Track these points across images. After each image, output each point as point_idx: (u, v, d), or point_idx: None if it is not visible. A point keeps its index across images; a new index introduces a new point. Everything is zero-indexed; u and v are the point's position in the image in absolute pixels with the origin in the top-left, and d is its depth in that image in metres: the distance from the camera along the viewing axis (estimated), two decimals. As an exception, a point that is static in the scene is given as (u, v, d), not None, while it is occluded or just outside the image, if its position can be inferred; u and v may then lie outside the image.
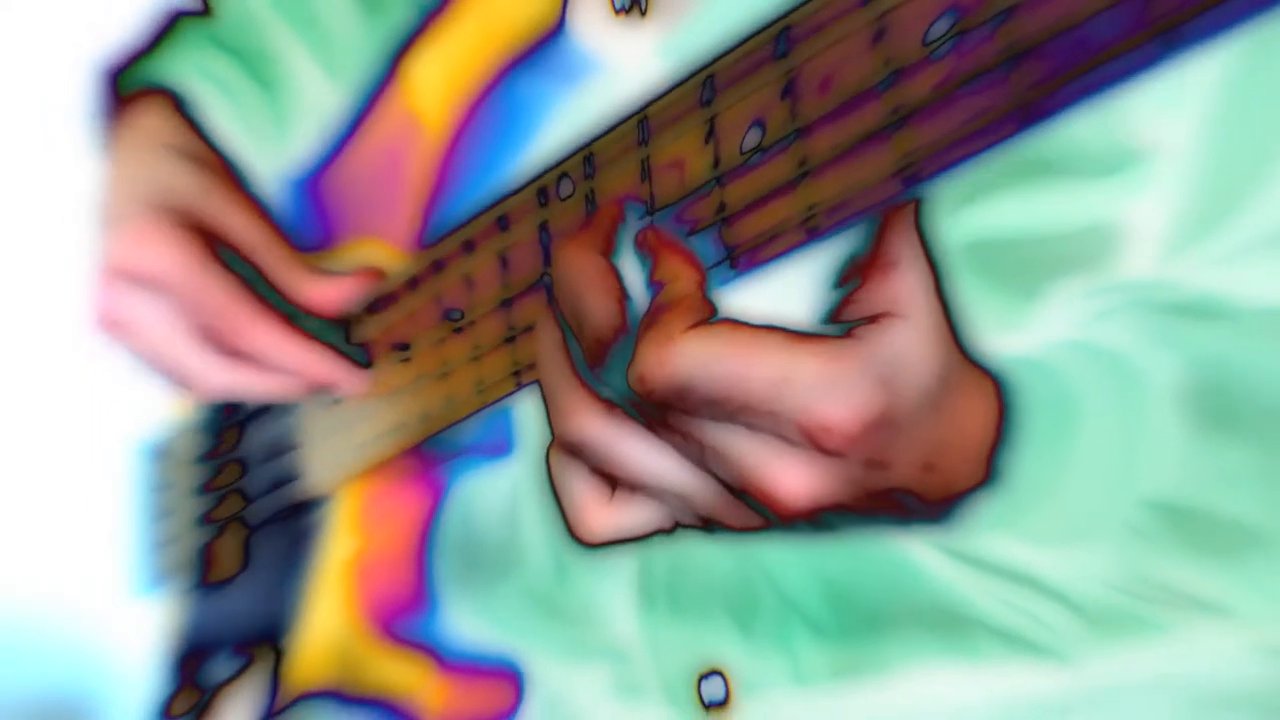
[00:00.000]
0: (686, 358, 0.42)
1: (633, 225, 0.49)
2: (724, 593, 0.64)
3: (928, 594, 0.61)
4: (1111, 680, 0.60)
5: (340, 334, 0.74)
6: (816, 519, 0.44)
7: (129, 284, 0.74)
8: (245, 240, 0.75)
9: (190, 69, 0.83)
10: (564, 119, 0.62)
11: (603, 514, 0.48)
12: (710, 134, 0.47)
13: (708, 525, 0.47)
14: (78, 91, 0.83)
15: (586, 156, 0.53)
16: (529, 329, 0.57)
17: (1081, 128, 0.53)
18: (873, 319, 0.42)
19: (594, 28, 0.62)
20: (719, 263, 0.47)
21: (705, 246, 0.47)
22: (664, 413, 0.43)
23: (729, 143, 0.46)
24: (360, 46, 0.81)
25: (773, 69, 0.44)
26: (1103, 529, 0.53)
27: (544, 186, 0.56)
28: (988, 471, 0.48)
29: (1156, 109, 0.53)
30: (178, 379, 0.77)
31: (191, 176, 0.77)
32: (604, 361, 0.45)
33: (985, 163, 0.39)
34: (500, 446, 0.70)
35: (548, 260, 0.56)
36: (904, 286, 0.42)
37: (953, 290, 0.44)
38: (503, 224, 0.59)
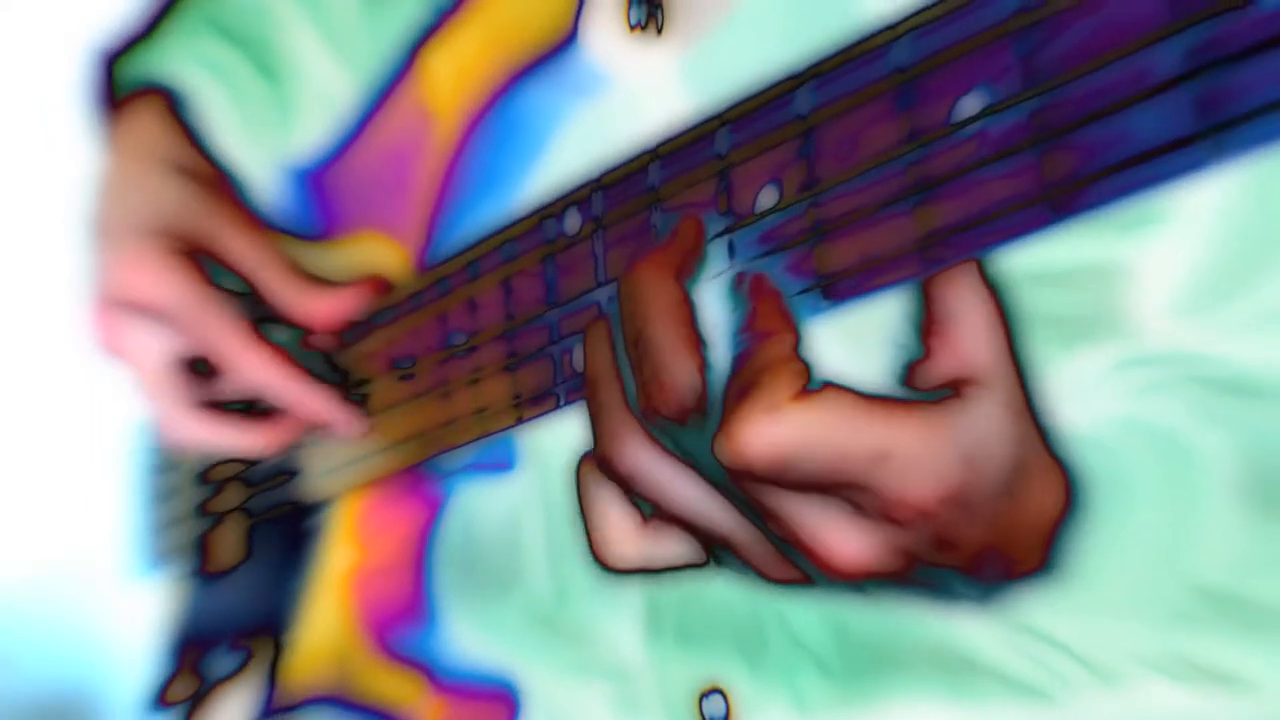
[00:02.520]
0: (792, 433, 0.38)
1: (713, 244, 0.45)
2: (731, 626, 0.63)
3: (934, 636, 0.60)
4: None
5: (338, 374, 0.73)
6: (861, 584, 0.42)
7: (127, 312, 0.74)
8: (242, 260, 0.74)
9: (190, 57, 0.81)
10: (573, 134, 0.61)
11: (631, 541, 0.46)
12: (724, 185, 0.45)
13: (743, 569, 0.45)
14: (76, 76, 0.81)
15: (595, 190, 0.51)
16: (531, 360, 0.56)
17: None
18: (955, 386, 0.40)
19: (607, 42, 0.59)
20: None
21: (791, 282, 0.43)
22: (742, 481, 0.41)
23: (743, 195, 0.44)
24: (371, 33, 0.79)
25: (792, 127, 0.42)
26: (1146, 612, 0.51)
27: (551, 216, 0.54)
28: (1045, 558, 0.45)
29: None
30: (160, 419, 0.76)
31: (187, 194, 0.75)
32: (671, 415, 0.41)
33: (1013, 249, 0.37)
34: (501, 462, 0.68)
35: (552, 296, 0.54)
36: (982, 351, 0.40)
37: (1030, 362, 0.41)
38: (508, 252, 0.57)
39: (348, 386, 0.72)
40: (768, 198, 0.43)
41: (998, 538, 0.42)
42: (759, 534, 0.43)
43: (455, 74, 0.68)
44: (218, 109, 0.80)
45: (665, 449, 0.43)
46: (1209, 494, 0.51)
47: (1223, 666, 0.54)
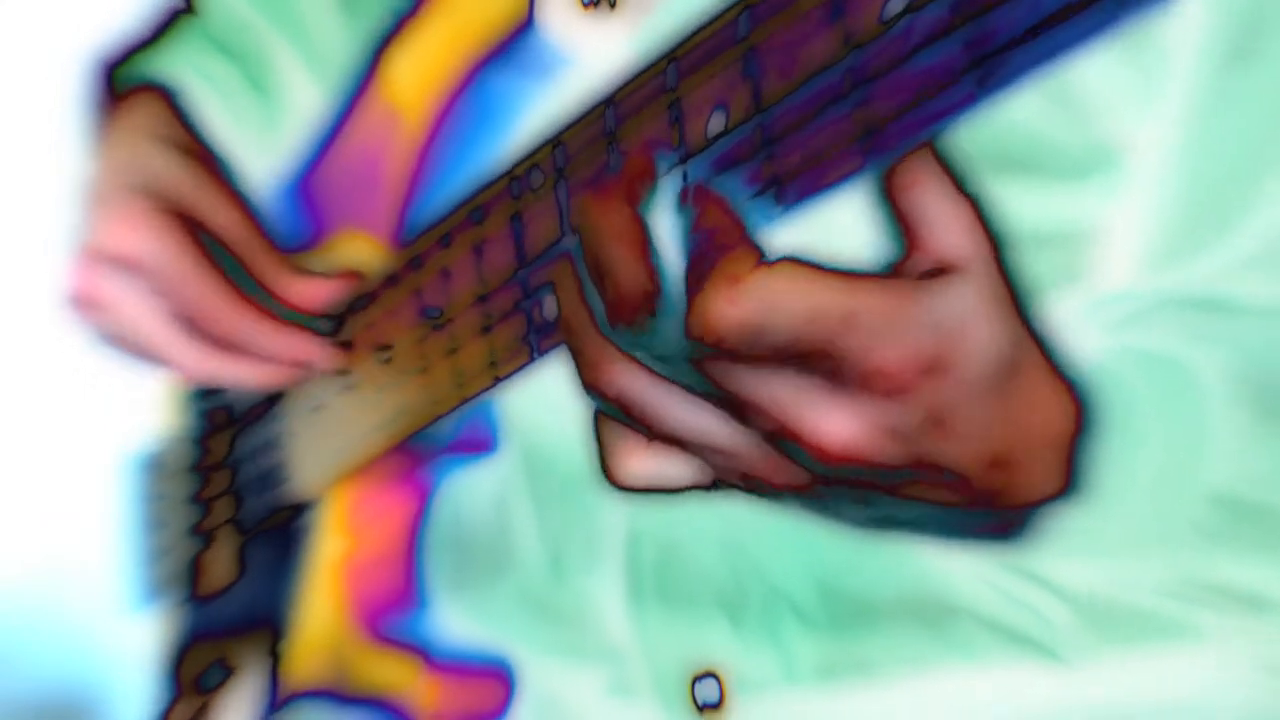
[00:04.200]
0: (758, 296, 0.39)
1: (664, 175, 0.46)
2: (712, 584, 0.64)
3: (919, 583, 0.61)
4: (1108, 686, 0.60)
5: (315, 319, 0.74)
6: (862, 478, 0.42)
7: (109, 265, 0.75)
8: (228, 232, 0.75)
9: (186, 66, 0.84)
10: (536, 113, 0.63)
11: (639, 460, 0.46)
12: (675, 117, 0.47)
13: (747, 485, 0.45)
14: (74, 84, 0.84)
15: (556, 146, 0.53)
16: (504, 318, 0.57)
17: (1054, 127, 0.53)
18: (934, 273, 0.41)
19: (563, 22, 0.62)
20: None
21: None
22: (713, 367, 0.41)
23: (694, 124, 0.46)
24: (343, 46, 0.82)
25: (734, 50, 0.44)
26: (1168, 533, 0.51)
27: (515, 178, 0.56)
28: (1065, 479, 0.45)
29: (1132, 110, 0.53)
30: (156, 361, 0.77)
31: (178, 166, 0.77)
32: (629, 320, 0.42)
33: (947, 130, 0.39)
34: (486, 444, 0.70)
35: (520, 252, 0.56)
36: (960, 245, 0.41)
37: (1018, 269, 0.42)
38: (476, 217, 0.59)
39: (327, 327, 0.74)
40: (716, 122, 0.45)
41: (1003, 450, 0.42)
42: (751, 438, 0.43)
43: (419, 71, 0.70)
44: (211, 115, 0.82)
45: (646, 367, 0.43)
46: (1210, 409, 0.51)
47: (1246, 586, 0.55)
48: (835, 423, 0.41)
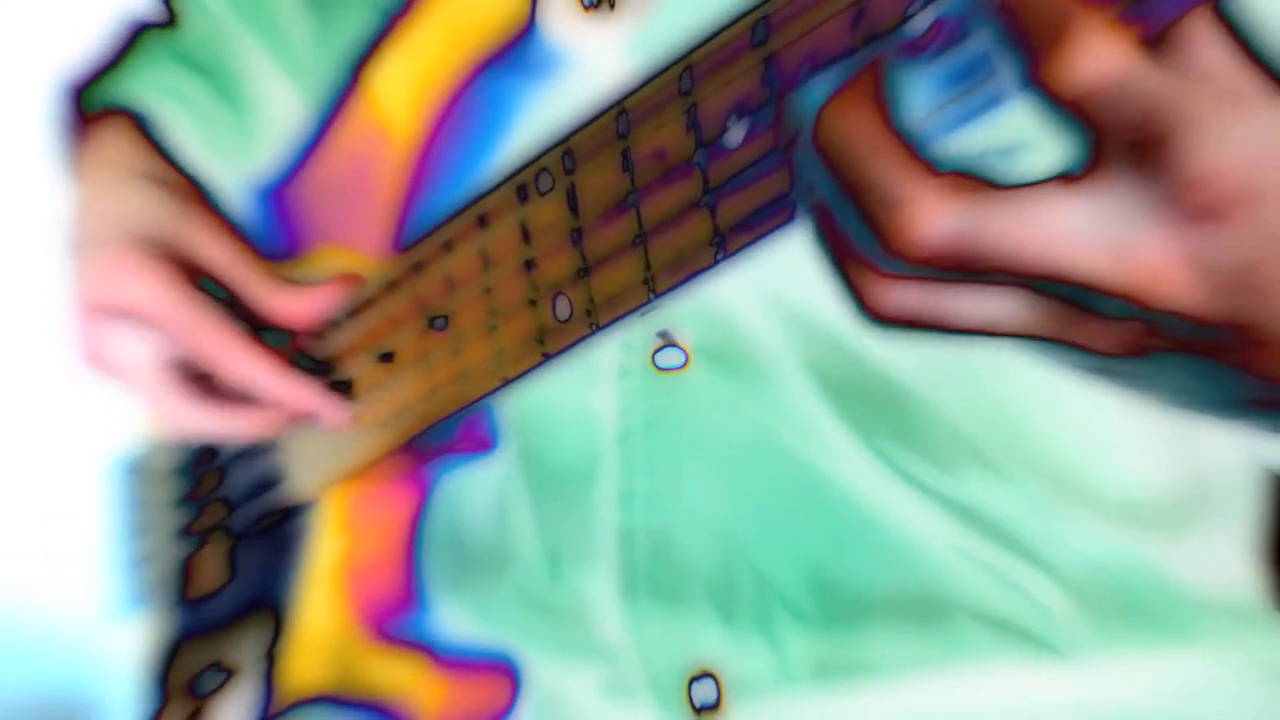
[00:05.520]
0: (1124, 58, 0.35)
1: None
2: (706, 581, 0.64)
3: (914, 578, 0.61)
4: (1107, 682, 0.61)
5: (324, 367, 0.74)
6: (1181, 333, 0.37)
7: (110, 319, 0.74)
8: (216, 261, 0.75)
9: (153, 86, 0.83)
10: (537, 116, 0.63)
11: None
12: (692, 122, 0.47)
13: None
14: (41, 108, 0.83)
15: (565, 151, 0.54)
16: (511, 315, 0.58)
17: None
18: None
19: (564, 24, 0.62)
20: None
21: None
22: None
23: (712, 129, 0.46)
24: (324, 54, 0.81)
25: (751, 55, 0.45)
26: None
27: (523, 183, 0.56)
28: None
29: None
30: (160, 415, 0.77)
31: (158, 201, 0.76)
32: (920, 251, 0.37)
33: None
34: (485, 443, 0.70)
35: (529, 253, 0.56)
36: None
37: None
38: (482, 222, 0.59)
39: (332, 378, 0.73)
40: (736, 127, 0.46)
41: None
42: (1054, 304, 0.38)
43: (412, 76, 0.70)
44: (183, 136, 0.81)
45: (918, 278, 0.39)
46: None
47: None
48: (1163, 254, 0.36)
